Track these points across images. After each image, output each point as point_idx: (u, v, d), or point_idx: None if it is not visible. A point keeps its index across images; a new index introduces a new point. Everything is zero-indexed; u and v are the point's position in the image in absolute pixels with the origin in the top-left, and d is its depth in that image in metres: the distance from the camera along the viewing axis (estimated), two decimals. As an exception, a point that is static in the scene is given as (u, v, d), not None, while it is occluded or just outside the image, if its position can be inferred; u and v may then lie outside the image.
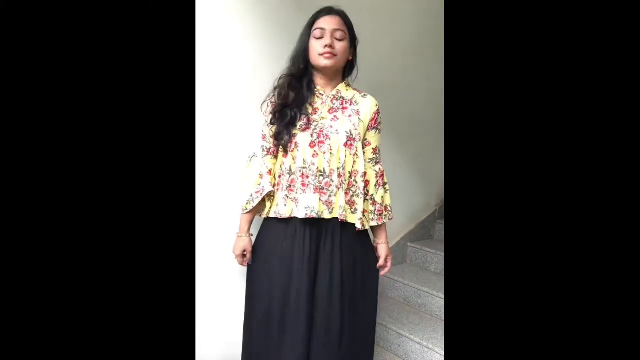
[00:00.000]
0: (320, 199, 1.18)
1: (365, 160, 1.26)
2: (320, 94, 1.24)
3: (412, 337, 1.69)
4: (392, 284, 2.10)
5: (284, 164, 1.22)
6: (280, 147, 1.22)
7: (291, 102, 1.20)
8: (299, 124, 1.19)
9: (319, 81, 1.24)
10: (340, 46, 1.18)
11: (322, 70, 1.22)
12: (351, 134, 1.21)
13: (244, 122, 1.47)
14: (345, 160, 1.20)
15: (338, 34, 1.17)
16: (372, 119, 1.26)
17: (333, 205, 1.19)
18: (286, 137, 1.19)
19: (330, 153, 1.18)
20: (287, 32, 1.53)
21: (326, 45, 1.16)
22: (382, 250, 1.34)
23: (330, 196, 1.18)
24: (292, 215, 1.19)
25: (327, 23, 1.17)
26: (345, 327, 1.21)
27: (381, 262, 1.33)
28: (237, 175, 1.48)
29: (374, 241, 1.36)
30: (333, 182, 1.18)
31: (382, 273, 1.35)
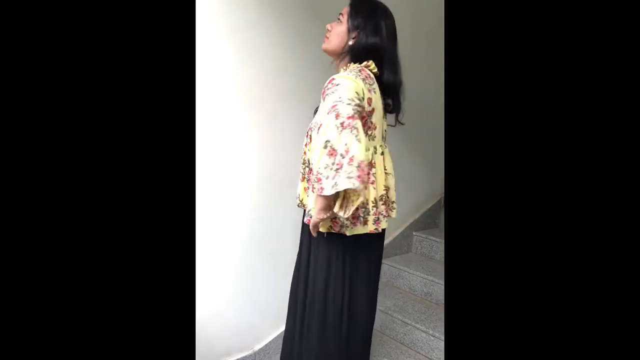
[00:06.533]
0: (304, 187, 1.14)
1: None
2: None
3: (417, 325, 1.69)
4: (397, 273, 2.09)
5: None
6: None
7: None
8: None
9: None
10: (334, 31, 1.14)
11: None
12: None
13: (244, 120, 1.46)
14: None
15: (339, 17, 1.15)
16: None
17: None
18: None
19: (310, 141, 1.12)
20: (292, 27, 1.50)
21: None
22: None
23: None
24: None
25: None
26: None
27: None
28: (237, 174, 1.48)
29: None
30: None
31: None
